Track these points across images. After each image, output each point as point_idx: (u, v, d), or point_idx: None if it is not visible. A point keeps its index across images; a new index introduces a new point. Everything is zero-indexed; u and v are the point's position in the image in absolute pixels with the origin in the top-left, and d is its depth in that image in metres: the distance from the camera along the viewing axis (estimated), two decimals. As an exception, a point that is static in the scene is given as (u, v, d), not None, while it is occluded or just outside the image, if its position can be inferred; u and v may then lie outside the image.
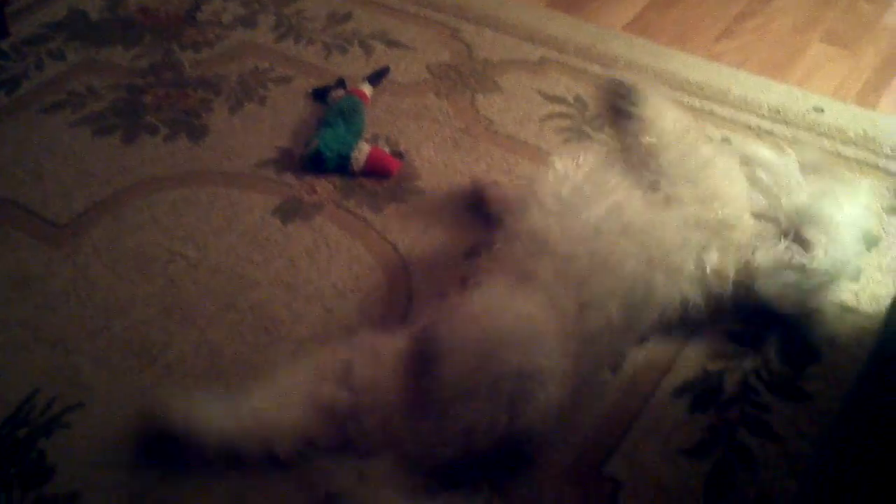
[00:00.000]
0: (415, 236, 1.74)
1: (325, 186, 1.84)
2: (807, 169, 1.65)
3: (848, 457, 0.96)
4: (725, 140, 1.92)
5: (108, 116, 2.02)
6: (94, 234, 1.74)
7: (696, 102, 2.05)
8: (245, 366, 1.50)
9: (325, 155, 1.84)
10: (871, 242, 1.69)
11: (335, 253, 1.70)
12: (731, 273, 1.52)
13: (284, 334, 1.56)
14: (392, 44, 2.24)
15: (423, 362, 1.34)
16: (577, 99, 2.06)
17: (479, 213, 1.76)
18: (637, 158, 1.55)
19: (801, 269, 1.51)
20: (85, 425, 1.41)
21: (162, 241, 1.73)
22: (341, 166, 1.86)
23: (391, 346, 1.41)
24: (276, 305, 1.61)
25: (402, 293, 1.63)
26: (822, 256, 1.51)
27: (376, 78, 2.09)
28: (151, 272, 1.67)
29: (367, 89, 2.04)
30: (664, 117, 1.58)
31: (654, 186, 1.52)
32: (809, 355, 1.51)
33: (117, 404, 1.44)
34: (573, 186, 1.50)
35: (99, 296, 1.63)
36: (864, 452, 0.91)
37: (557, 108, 2.04)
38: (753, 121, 1.98)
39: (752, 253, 1.53)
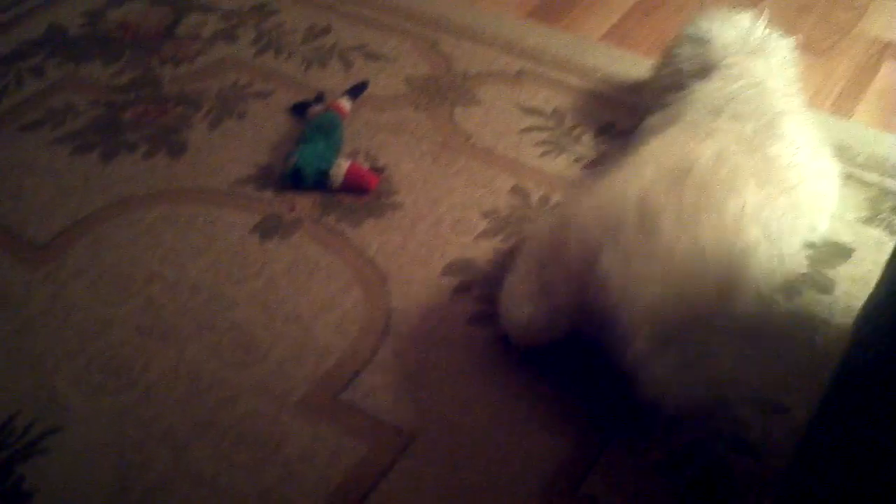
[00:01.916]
0: (393, 251, 1.74)
1: (304, 203, 1.84)
2: None
3: (818, 469, 0.97)
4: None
5: (87, 134, 2.02)
6: (73, 254, 1.74)
7: (674, 113, 2.06)
8: (224, 386, 1.51)
9: (305, 171, 1.85)
10: (845, 254, 1.70)
11: (314, 270, 1.71)
12: None
13: (263, 354, 1.56)
14: (371, 56, 2.25)
15: None
16: (555, 111, 2.07)
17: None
18: None
19: None
20: (63, 449, 1.42)
21: (141, 260, 1.73)
22: (320, 182, 1.87)
23: None
24: (255, 325, 1.61)
25: (381, 309, 1.64)
26: None
27: (355, 92, 2.09)
28: (130, 292, 1.67)
29: (345, 103, 2.04)
30: None
31: None
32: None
33: (96, 427, 1.45)
34: None
35: (78, 316, 1.63)
36: (833, 464, 0.92)
37: (535, 120, 2.05)
38: (730, 131, 1.99)
39: None
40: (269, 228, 1.79)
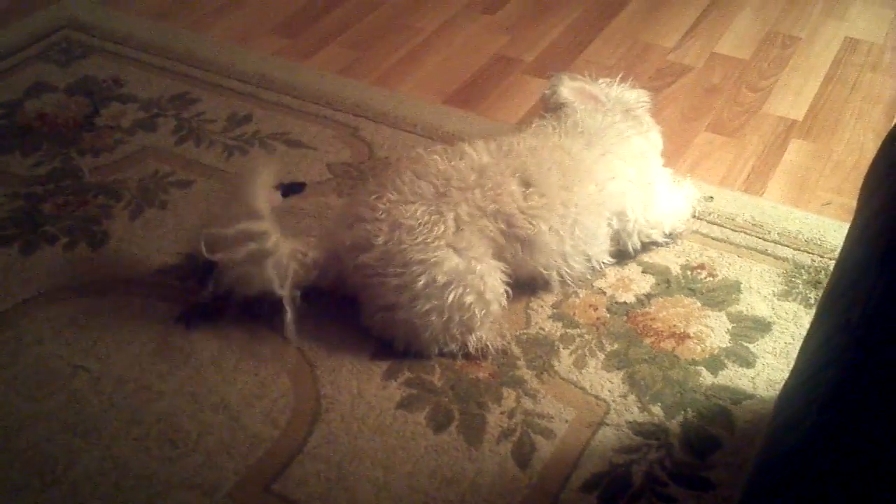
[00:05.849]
0: (321, 337, 1.74)
1: (229, 291, 1.84)
2: None
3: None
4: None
5: (6, 227, 1.99)
6: (-8, 350, 1.71)
7: (593, 194, 2.10)
8: (152, 481, 1.49)
9: (228, 259, 1.84)
10: (764, 328, 1.75)
11: (241, 359, 1.70)
12: None
13: (191, 446, 1.54)
14: (293, 143, 2.26)
15: None
16: (477, 194, 2.09)
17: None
18: None
19: None
20: (-14, 552, 1.38)
21: (64, 354, 1.71)
22: (245, 270, 1.86)
23: None
24: (183, 416, 1.59)
25: (311, 397, 1.63)
26: None
27: (288, 190, 2.08)
28: (53, 387, 1.64)
29: (275, 197, 2.02)
30: None
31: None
32: (711, 443, 1.55)
33: (20, 528, 1.42)
34: None
35: (-1, 414, 1.60)
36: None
37: (458, 203, 2.07)
38: (648, 211, 2.03)
39: None
40: (193, 317, 1.78)
